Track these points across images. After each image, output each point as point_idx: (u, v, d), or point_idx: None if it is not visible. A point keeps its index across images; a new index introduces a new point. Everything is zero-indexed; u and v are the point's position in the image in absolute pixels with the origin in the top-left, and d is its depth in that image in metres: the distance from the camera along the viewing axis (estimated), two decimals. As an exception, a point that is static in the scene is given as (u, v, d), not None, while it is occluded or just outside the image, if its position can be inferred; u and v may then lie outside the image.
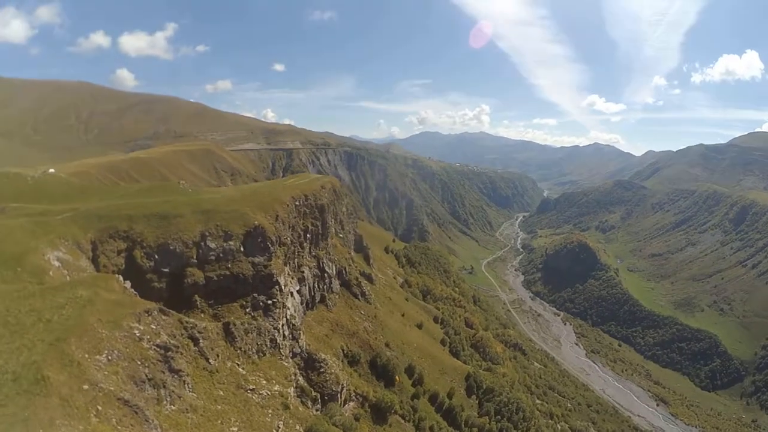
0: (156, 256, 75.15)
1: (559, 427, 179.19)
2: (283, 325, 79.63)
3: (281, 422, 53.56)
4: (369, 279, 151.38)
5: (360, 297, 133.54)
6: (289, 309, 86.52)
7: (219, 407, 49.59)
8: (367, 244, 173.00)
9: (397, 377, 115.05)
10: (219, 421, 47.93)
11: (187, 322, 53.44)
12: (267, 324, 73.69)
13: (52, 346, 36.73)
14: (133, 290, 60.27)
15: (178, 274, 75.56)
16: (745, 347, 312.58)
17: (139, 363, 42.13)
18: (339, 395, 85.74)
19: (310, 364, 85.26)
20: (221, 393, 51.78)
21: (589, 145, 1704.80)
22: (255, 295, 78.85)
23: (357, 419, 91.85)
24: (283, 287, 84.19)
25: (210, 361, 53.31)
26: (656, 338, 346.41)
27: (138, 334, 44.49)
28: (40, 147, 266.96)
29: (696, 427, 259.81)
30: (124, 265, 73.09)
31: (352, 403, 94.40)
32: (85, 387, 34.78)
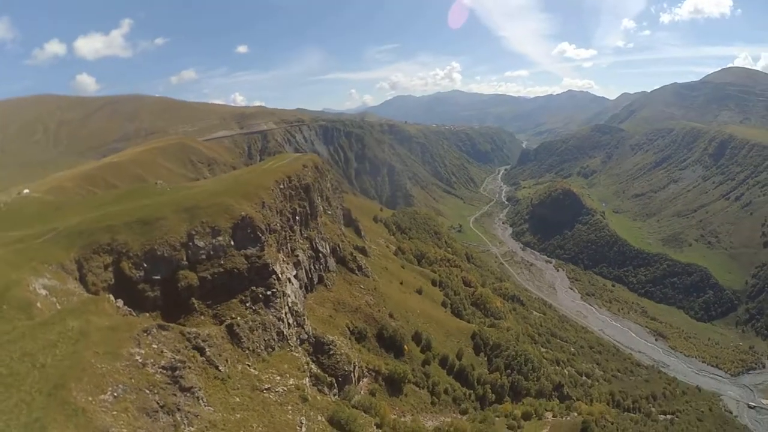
0: (144, 265, 71.67)
1: (566, 372, 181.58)
2: (286, 314, 77.06)
3: (303, 417, 51.46)
4: (363, 252, 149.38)
5: (357, 272, 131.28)
6: (289, 296, 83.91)
7: (238, 415, 47.08)
8: (355, 217, 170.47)
9: (405, 346, 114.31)
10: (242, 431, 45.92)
11: (188, 333, 50.43)
12: (270, 316, 71.10)
13: (52, 396, 33.96)
14: (126, 308, 57.21)
15: (170, 279, 72.27)
16: (735, 277, 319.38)
17: (147, 392, 39.25)
18: (352, 374, 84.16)
19: (319, 349, 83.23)
20: (237, 399, 49.37)
21: (563, 92, 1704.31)
22: (253, 288, 75.85)
23: (373, 394, 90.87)
24: (280, 275, 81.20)
25: (220, 368, 50.57)
26: (648, 275, 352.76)
27: (140, 360, 41.57)
28: (11, 167, 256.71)
29: (696, 357, 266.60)
30: (113, 280, 69.67)
31: (366, 380, 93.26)
32: (96, 438, 32.15)
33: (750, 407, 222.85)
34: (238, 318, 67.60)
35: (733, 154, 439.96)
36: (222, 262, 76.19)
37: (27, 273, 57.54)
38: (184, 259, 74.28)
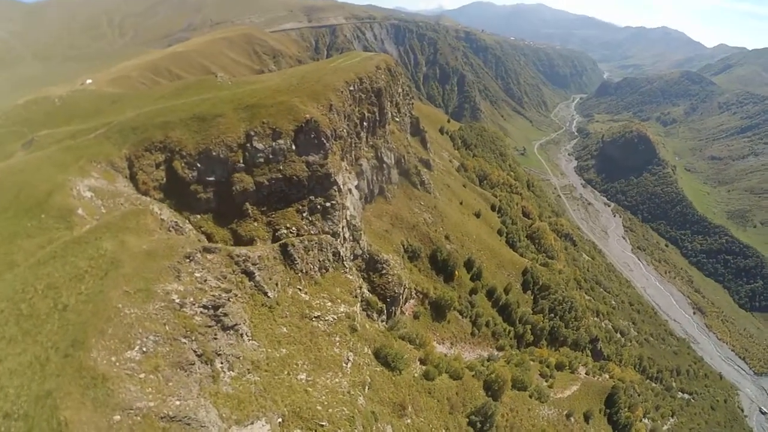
0: (198, 165, 66.74)
1: (604, 325, 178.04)
2: (343, 227, 71.78)
3: (351, 353, 46.96)
4: (427, 166, 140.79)
5: (419, 186, 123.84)
6: (348, 209, 78.08)
7: (284, 350, 42.40)
8: (423, 127, 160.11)
9: (456, 272, 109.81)
10: (286, 372, 40.98)
11: (238, 256, 44.66)
12: (327, 231, 65.58)
13: (69, 357, 29.10)
14: (172, 219, 52.04)
15: (224, 181, 67.50)
16: None
17: (184, 341, 33.96)
18: (401, 297, 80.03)
19: (372, 266, 78.91)
20: (285, 330, 44.57)
21: (658, 28, 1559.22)
22: (311, 198, 70.19)
23: (417, 317, 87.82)
24: (341, 186, 75.03)
25: (269, 294, 45.33)
26: (704, 245, 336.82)
27: (178, 300, 35.86)
28: (78, 60, 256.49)
29: (727, 343, 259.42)
30: (165, 179, 65.31)
31: (412, 301, 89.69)
32: (117, 418, 27.01)
33: (761, 412, 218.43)
34: (293, 233, 62.61)
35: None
36: (281, 167, 70.26)
37: (73, 174, 53.88)
38: (241, 161, 68.88)
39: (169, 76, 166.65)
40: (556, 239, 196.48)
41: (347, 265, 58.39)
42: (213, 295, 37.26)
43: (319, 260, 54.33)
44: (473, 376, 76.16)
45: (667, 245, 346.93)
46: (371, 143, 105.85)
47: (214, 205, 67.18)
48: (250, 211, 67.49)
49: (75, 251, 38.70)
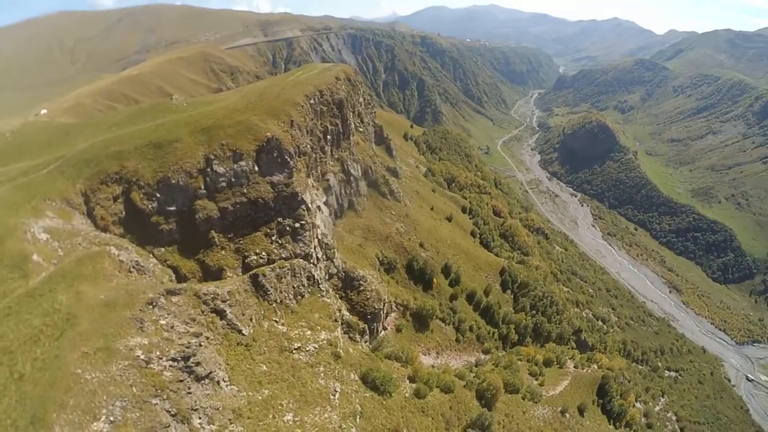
0: (158, 195, 63.65)
1: (585, 315, 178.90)
2: (315, 248, 69.03)
3: (337, 383, 44.23)
4: (395, 174, 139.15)
5: (389, 196, 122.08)
6: (319, 227, 75.38)
7: (266, 392, 39.33)
8: (387, 134, 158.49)
9: (435, 280, 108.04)
10: (270, 416, 38.10)
11: (205, 294, 41.42)
12: (299, 253, 62.70)
13: None
14: (133, 259, 48.63)
15: (187, 210, 64.53)
16: (759, 245, 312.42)
17: (155, 402, 30.68)
18: (381, 312, 77.65)
19: (348, 284, 76.31)
20: (264, 368, 41.45)
21: (608, 20, 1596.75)
22: (280, 220, 67.46)
23: (400, 330, 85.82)
24: (310, 204, 72.31)
25: (243, 331, 42.14)
26: (672, 225, 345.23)
27: (143, 356, 32.52)
28: (32, 89, 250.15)
29: (705, 317, 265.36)
30: (124, 212, 62.17)
31: (393, 314, 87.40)
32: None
33: (748, 380, 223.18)
34: (263, 258, 59.71)
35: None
36: (245, 190, 67.53)
37: (27, 215, 50.67)
38: (202, 187, 65.95)
39: (125, 101, 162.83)
40: (529, 235, 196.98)
41: (323, 288, 55.49)
42: (182, 344, 33.71)
43: (293, 287, 51.27)
44: (465, 386, 74.12)
45: (636, 229, 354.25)
46: (337, 156, 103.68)
47: (177, 236, 64.06)
48: (216, 239, 64.47)
49: (29, 307, 35.41)
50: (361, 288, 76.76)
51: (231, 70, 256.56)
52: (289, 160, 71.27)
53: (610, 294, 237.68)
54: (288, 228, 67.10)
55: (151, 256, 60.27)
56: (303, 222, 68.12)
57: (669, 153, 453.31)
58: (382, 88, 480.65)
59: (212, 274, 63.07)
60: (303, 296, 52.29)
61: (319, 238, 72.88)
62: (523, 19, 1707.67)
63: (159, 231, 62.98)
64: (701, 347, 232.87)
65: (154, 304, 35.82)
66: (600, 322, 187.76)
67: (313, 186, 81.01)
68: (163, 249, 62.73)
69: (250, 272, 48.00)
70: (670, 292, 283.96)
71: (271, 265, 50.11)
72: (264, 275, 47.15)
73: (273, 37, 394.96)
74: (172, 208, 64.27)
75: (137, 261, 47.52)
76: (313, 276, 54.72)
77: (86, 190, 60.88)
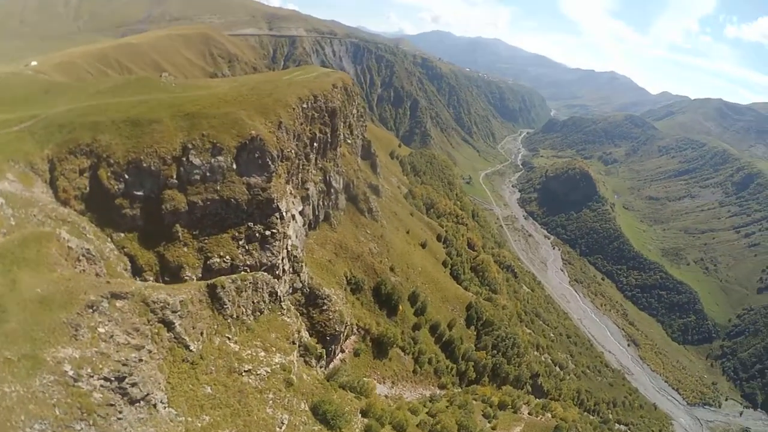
0: (126, 176, 59.51)
1: (544, 359, 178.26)
2: (283, 259, 65.92)
3: (286, 414, 40.61)
4: (376, 192, 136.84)
5: (367, 214, 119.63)
6: (290, 238, 72.01)
7: (207, 418, 34.99)
8: (374, 150, 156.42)
9: (400, 306, 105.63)
10: None
11: (155, 302, 36.21)
12: (265, 262, 59.76)
13: None
14: (84, 246, 43.68)
15: (154, 198, 60.54)
16: (721, 311, 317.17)
17: (79, 427, 26.10)
18: (342, 335, 74.49)
19: (312, 301, 73.30)
20: (209, 390, 36.95)
21: (606, 72, 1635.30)
22: (250, 224, 64.19)
23: (357, 355, 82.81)
24: (284, 213, 69.24)
25: (191, 347, 37.12)
26: (639, 281, 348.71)
27: (71, 372, 27.72)
28: (28, 38, 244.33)
29: (660, 374, 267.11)
30: (88, 188, 57.78)
31: (354, 337, 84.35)
32: None
33: None
34: (226, 263, 56.71)
35: (757, 191, 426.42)
36: (218, 187, 63.82)
37: None
38: (174, 176, 61.96)
39: (117, 68, 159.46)
40: (499, 271, 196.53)
41: (285, 306, 51.81)
42: (118, 360, 29.32)
43: (253, 302, 47.32)
44: (418, 426, 71.09)
45: (603, 279, 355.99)
46: (320, 166, 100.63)
47: (140, 223, 60.02)
48: (180, 234, 60.76)
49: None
50: (325, 307, 73.67)
51: (229, 57, 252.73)
52: (270, 163, 67.87)
53: (570, 341, 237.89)
54: (258, 234, 63.90)
55: (108, 240, 56.19)
56: (274, 230, 64.90)
57: (645, 210, 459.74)
58: (375, 102, 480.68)
59: (170, 270, 59.54)
60: (262, 312, 48.24)
61: (289, 249, 69.63)
62: (524, 58, 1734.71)
63: (122, 215, 58.95)
64: (653, 404, 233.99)
65: (94, 308, 31.69)
66: (558, 368, 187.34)
67: (291, 193, 77.68)
68: (123, 234, 58.75)
69: (208, 282, 43.56)
70: (628, 345, 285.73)
71: (233, 276, 45.95)
72: (223, 287, 42.74)
73: (277, 32, 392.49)
74: (139, 193, 60.28)
75: (88, 249, 43.08)
76: (276, 292, 51.04)
77: (53, 157, 56.64)
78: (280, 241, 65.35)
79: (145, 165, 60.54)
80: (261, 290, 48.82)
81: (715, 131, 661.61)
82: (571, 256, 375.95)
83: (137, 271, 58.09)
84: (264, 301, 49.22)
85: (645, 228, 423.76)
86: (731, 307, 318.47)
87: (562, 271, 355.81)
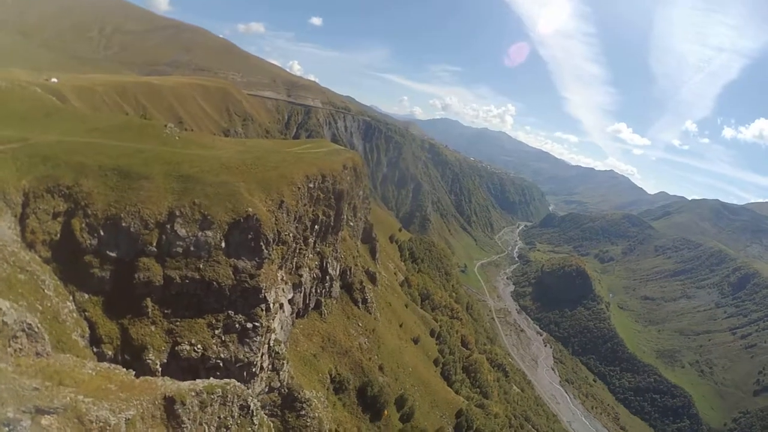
0: (101, 232, 53.29)
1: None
2: (263, 355, 58.97)
3: None
4: (373, 279, 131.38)
5: (360, 305, 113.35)
6: (274, 332, 65.13)
7: None
8: (375, 234, 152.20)
9: (386, 411, 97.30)
10: None
11: (92, 422, 26.41)
12: (241, 358, 52.91)
13: None
14: (24, 320, 33.27)
15: (128, 263, 54.13)
16: (717, 415, 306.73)
17: None
18: (318, 444, 66.44)
19: (288, 403, 65.64)
20: None
21: (605, 171, 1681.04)
22: (231, 312, 57.23)
23: (332, 466, 74.13)
24: (271, 305, 62.29)
25: None
26: (632, 383, 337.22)
27: None
28: (57, 52, 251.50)
29: None
30: (59, 235, 51.55)
31: (331, 445, 75.70)
32: None
33: None
34: (197, 351, 49.76)
35: (753, 291, 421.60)
36: (201, 266, 57.15)
37: None
38: (154, 244, 55.68)
39: (134, 104, 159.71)
40: (491, 370, 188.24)
41: (256, 421, 44.80)
42: None
43: (218, 417, 40.12)
44: None
45: (595, 380, 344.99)
46: (318, 250, 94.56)
47: (108, 287, 53.32)
48: (150, 309, 54.06)
49: None
50: (303, 412, 66.22)
51: (245, 116, 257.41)
52: (263, 247, 61.71)
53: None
54: (238, 325, 57.17)
55: (70, 298, 48.96)
56: (257, 324, 58.12)
57: (640, 310, 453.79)
58: (380, 181, 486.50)
59: (132, 348, 52.65)
60: (229, 430, 41.33)
61: (271, 345, 62.72)
62: (527, 152, 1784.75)
63: (89, 274, 52.55)
64: None
65: (10, 428, 24.69)
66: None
67: (282, 279, 71.50)
68: (87, 296, 52.12)
69: (166, 394, 36.03)
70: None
71: (198, 387, 38.41)
72: (183, 403, 35.58)
73: (294, 100, 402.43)
74: (112, 254, 54.02)
75: (30, 325, 35.68)
76: (248, 405, 43.97)
77: (29, 192, 50.98)
78: (261, 336, 58.48)
79: (124, 224, 54.64)
80: (230, 404, 41.62)
81: (711, 231, 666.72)
82: (563, 355, 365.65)
83: (95, 341, 51.09)
84: (232, 417, 41.78)
85: (640, 329, 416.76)
86: (727, 410, 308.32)
87: (552, 370, 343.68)
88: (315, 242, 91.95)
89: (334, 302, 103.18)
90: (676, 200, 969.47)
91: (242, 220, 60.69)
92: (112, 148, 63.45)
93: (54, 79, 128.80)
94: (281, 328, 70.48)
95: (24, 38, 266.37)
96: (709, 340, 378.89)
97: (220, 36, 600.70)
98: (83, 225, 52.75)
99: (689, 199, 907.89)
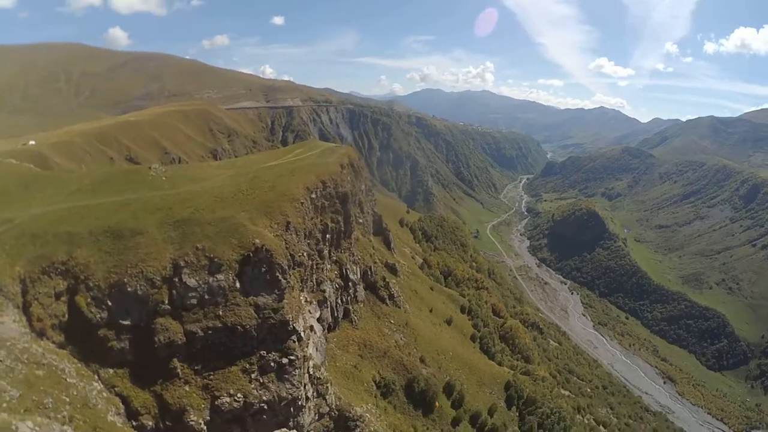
0: (109, 303, 49.52)
1: (587, 422, 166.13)
2: (305, 386, 55.87)
3: None
4: (393, 271, 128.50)
5: (388, 301, 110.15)
6: (311, 358, 62.13)
7: None
8: (386, 224, 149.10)
9: (436, 402, 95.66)
10: None
11: None
12: (285, 396, 49.91)
13: None
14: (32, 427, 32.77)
15: (144, 327, 50.73)
16: (752, 329, 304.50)
17: None
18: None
19: (341, 424, 62.67)
20: None
21: (595, 108, 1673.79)
22: (263, 353, 53.65)
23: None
24: (302, 333, 58.81)
25: None
26: (664, 313, 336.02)
27: None
28: (29, 114, 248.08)
29: (702, 407, 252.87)
30: (66, 315, 48.00)
31: (392, 454, 74.15)
32: None
33: None
34: (238, 401, 46.77)
35: (765, 200, 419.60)
36: (221, 312, 53.30)
37: None
38: (166, 301, 51.67)
39: (116, 147, 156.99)
40: (526, 332, 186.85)
41: None
42: None
43: None
44: None
45: (627, 317, 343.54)
46: (335, 258, 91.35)
47: (131, 357, 49.78)
48: (179, 369, 50.65)
49: None
50: (358, 430, 63.83)
51: (228, 132, 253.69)
52: (280, 277, 57.70)
53: (607, 391, 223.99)
54: (273, 363, 53.83)
55: (95, 378, 46.24)
56: (293, 357, 54.88)
57: (657, 239, 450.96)
58: (376, 166, 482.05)
59: (171, 413, 49.36)
60: None
61: (311, 372, 59.72)
62: (513, 106, 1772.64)
63: (108, 348, 49.00)
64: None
65: None
66: (602, 427, 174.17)
67: (306, 301, 68.43)
68: (111, 371, 48.61)
69: None
70: (664, 383, 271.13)
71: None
72: None
73: (274, 104, 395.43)
74: (125, 323, 50.36)
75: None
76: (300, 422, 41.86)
77: (26, 277, 47.01)
78: (300, 367, 55.26)
79: (129, 289, 50.75)
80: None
81: (711, 148, 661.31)
82: (591, 299, 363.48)
83: (132, 415, 47.75)
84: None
85: (660, 258, 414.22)
86: (761, 322, 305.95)
87: (584, 315, 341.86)
88: (330, 252, 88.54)
89: (362, 306, 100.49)
90: (671, 124, 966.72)
91: (251, 254, 56.84)
92: (98, 207, 59.36)
93: (32, 142, 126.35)
94: (316, 350, 67.25)
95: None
96: (731, 256, 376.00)
97: (187, 57, 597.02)
98: (89, 299, 49.24)
99: (684, 120, 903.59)
